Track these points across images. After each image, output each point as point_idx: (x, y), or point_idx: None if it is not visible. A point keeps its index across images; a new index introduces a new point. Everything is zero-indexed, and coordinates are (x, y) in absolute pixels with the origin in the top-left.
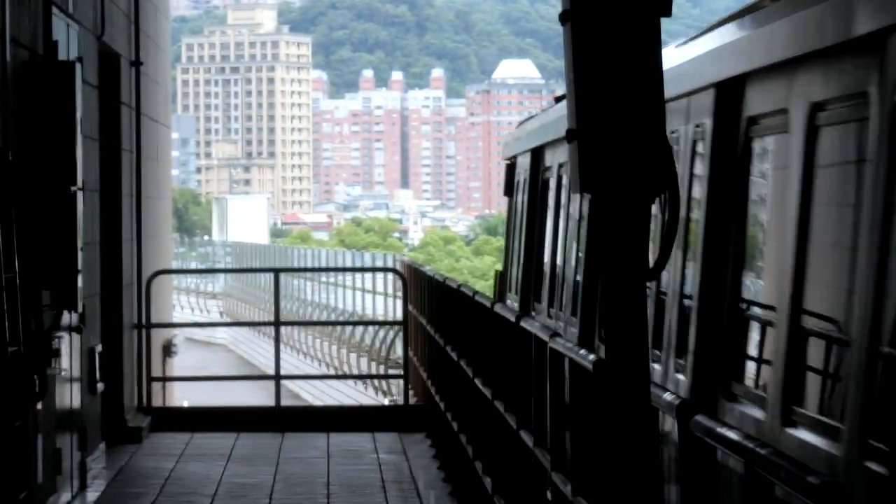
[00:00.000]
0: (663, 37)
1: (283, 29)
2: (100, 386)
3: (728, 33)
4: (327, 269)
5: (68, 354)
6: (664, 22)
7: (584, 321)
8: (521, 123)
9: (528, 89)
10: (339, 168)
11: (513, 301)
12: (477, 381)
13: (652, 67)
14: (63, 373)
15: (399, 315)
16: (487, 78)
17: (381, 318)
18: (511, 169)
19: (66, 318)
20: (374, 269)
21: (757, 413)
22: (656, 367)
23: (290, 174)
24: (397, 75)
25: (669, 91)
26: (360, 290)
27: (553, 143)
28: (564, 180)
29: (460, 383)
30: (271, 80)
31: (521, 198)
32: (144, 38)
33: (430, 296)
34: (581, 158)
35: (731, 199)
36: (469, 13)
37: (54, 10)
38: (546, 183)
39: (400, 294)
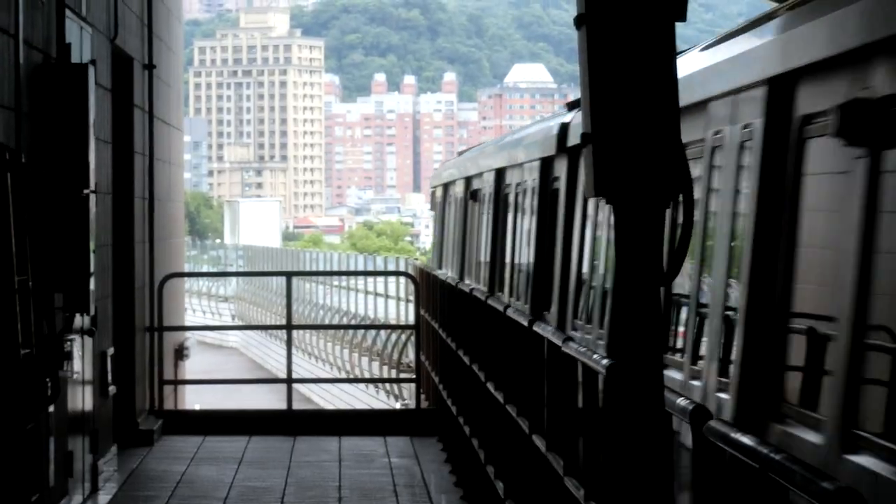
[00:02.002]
0: (677, 42)
1: (295, 32)
2: (111, 389)
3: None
4: (339, 273)
5: (80, 357)
6: (678, 26)
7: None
8: (442, 164)
9: (540, 93)
10: (351, 172)
11: (433, 264)
12: (489, 385)
13: (667, 71)
14: (75, 375)
15: (411, 319)
16: (500, 82)
17: (392, 322)
18: (434, 193)
19: (79, 320)
20: (385, 273)
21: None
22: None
23: (302, 177)
24: (409, 79)
25: None
26: (371, 294)
27: (451, 183)
28: (450, 205)
29: (472, 387)
30: (283, 84)
31: (437, 211)
32: (157, 41)
33: (441, 300)
34: (595, 162)
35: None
36: (481, 17)
37: (68, 12)
38: (449, 205)
39: (412, 298)
